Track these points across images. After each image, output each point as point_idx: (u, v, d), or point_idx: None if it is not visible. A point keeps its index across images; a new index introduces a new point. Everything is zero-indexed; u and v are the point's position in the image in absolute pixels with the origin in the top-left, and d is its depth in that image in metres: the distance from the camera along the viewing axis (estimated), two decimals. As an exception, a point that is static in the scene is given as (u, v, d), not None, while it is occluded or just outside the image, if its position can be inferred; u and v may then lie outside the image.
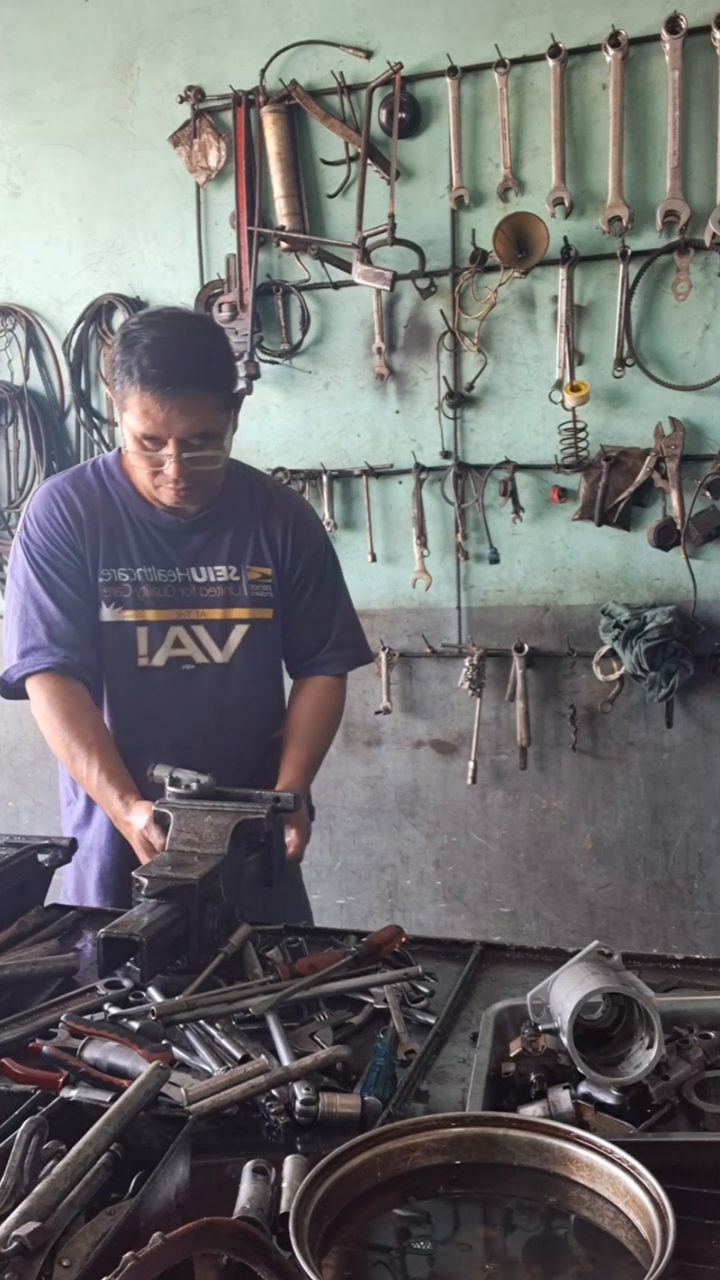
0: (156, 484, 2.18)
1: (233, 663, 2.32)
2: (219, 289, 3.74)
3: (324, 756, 2.41)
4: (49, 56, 3.92)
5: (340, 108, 3.54)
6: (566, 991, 1.38)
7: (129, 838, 2.10)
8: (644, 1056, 1.33)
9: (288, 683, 2.51)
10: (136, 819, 2.04)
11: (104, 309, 3.94)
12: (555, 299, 3.38)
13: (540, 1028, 1.41)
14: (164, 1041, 1.52)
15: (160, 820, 1.96)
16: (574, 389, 3.31)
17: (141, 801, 2.07)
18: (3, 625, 2.40)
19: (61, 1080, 1.43)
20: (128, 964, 1.69)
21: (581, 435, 3.36)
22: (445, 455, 3.59)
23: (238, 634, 2.31)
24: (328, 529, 3.38)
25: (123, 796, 2.10)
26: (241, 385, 2.25)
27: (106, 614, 2.26)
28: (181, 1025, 1.59)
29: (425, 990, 1.75)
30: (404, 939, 1.85)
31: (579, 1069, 1.32)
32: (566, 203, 3.32)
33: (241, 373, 3.47)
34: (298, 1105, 1.39)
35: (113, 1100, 1.19)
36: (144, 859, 2.00)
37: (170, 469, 2.13)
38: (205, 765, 2.03)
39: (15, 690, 2.25)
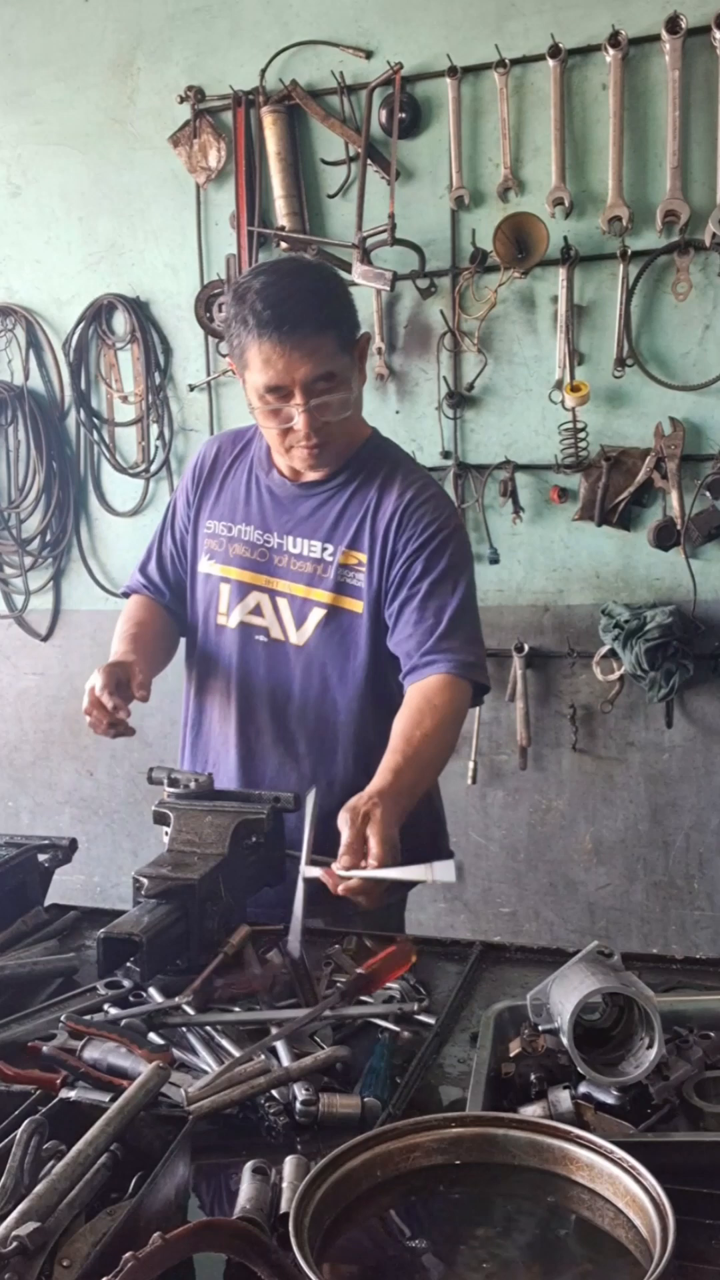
0: (288, 444, 2.07)
1: (306, 647, 2.16)
2: (219, 289, 3.74)
3: (431, 764, 2.04)
4: (49, 56, 3.92)
5: (340, 108, 3.54)
6: (566, 991, 1.38)
7: None
8: (644, 1056, 1.33)
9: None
10: (95, 676, 2.05)
11: (104, 309, 3.95)
12: (555, 299, 3.38)
13: (540, 1028, 1.41)
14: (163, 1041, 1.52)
15: (160, 820, 1.96)
16: (574, 389, 3.31)
17: (110, 665, 2.09)
18: None
19: (61, 1080, 1.44)
20: (128, 964, 1.69)
21: (581, 435, 3.36)
22: (445, 455, 3.59)
23: (315, 617, 2.16)
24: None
25: (112, 657, 2.16)
26: (366, 330, 2.14)
27: (203, 564, 2.28)
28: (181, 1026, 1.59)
29: (423, 993, 1.74)
30: (414, 959, 1.71)
31: (579, 1069, 1.32)
32: (566, 203, 3.32)
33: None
34: (298, 1105, 1.39)
35: (113, 1100, 1.19)
36: (83, 702, 2.04)
37: (300, 423, 2.01)
38: (259, 750, 2.18)
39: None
